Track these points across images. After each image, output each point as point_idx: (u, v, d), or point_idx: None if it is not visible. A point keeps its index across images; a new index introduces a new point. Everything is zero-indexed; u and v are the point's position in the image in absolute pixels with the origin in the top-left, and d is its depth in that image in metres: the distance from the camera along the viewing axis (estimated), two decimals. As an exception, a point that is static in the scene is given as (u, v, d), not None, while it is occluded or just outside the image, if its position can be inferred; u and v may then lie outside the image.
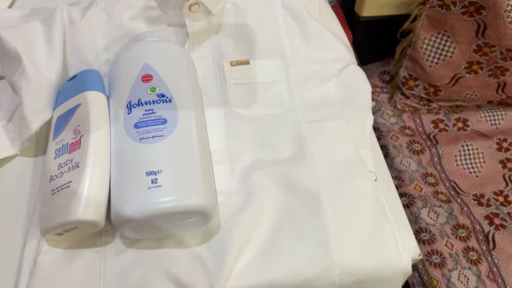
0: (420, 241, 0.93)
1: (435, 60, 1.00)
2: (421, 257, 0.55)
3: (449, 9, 0.94)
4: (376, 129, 1.07)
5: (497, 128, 1.10)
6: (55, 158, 0.51)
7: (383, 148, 1.04)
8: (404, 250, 0.53)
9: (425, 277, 0.90)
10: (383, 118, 1.07)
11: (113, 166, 0.50)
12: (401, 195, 0.98)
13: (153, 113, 0.51)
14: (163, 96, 0.52)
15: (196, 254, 0.51)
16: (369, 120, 0.62)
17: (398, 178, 1.00)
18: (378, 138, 1.05)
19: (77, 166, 0.48)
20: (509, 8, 0.91)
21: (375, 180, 0.57)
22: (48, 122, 0.55)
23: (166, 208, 0.46)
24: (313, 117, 0.60)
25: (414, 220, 0.95)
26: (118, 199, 0.48)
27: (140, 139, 0.49)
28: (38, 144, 0.57)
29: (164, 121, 0.50)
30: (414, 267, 0.92)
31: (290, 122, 0.60)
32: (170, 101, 0.52)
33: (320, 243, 0.52)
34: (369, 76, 1.12)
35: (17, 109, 0.55)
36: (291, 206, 0.53)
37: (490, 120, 1.10)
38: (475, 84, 1.03)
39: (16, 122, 0.56)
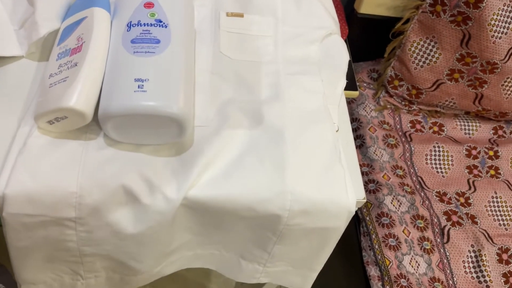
0: (380, 224, 0.99)
1: (421, 63, 1.07)
2: (365, 200, 0.61)
3: (439, 16, 1.02)
4: (356, 119, 1.13)
5: (469, 137, 1.17)
6: (57, 60, 0.58)
7: (360, 137, 1.11)
8: (351, 191, 0.59)
9: (379, 257, 0.96)
10: (365, 110, 1.13)
11: (106, 71, 0.56)
12: (370, 181, 1.04)
13: (149, 33, 0.57)
14: (161, 21, 0.59)
15: (168, 162, 0.57)
16: (342, 83, 0.68)
17: (369, 166, 1.06)
18: (357, 128, 1.12)
19: (75, 65, 0.55)
20: (492, 22, 0.98)
21: (337, 131, 0.64)
22: (55, 33, 0.62)
23: (147, 109, 0.52)
24: (291, 70, 0.67)
25: (377, 204, 1.01)
26: (106, 97, 0.54)
27: (134, 52, 0.56)
28: (43, 52, 0.63)
29: (158, 41, 0.57)
30: (370, 246, 0.98)
31: (270, 71, 0.66)
32: (166, 26, 0.59)
33: (277, 169, 0.58)
34: (358, 72, 1.20)
35: (30, 17, 0.62)
36: (258, 137, 0.60)
37: (465, 129, 1.17)
38: (455, 92, 1.10)
39: (27, 27, 0.62)
